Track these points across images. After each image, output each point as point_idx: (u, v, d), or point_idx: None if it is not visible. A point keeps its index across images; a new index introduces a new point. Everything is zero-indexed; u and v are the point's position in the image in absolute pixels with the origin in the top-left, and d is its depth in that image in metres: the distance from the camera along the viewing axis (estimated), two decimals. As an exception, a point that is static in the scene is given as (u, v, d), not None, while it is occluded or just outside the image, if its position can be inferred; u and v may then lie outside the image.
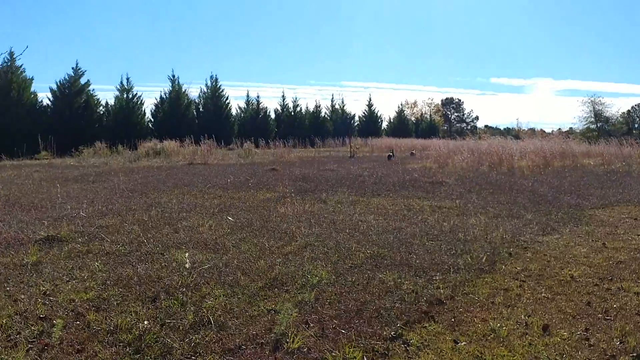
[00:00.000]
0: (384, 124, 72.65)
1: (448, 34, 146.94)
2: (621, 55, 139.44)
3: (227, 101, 52.78)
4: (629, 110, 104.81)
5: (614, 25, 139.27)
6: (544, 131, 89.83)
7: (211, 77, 52.85)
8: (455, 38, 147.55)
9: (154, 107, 49.54)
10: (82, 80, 42.47)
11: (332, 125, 62.41)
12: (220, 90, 52.50)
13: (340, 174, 18.67)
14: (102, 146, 34.03)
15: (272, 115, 59.76)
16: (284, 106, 60.91)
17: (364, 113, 69.45)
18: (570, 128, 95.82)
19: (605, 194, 12.89)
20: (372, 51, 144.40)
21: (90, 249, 7.23)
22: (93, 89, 43.78)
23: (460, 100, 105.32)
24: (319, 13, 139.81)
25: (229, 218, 9.74)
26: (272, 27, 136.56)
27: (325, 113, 65.13)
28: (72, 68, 42.54)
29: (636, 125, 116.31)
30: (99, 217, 9.79)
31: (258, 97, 57.85)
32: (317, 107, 63.54)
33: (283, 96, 62.08)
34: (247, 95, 57.79)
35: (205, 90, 52.47)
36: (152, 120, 49.20)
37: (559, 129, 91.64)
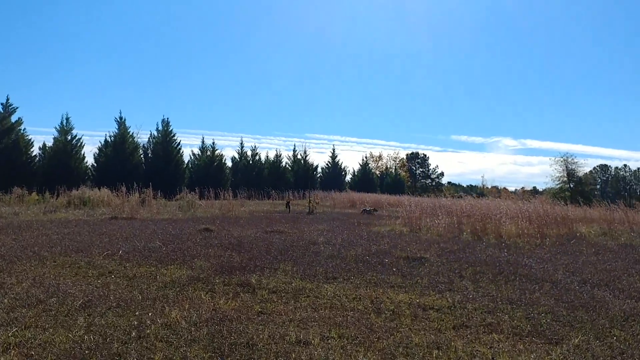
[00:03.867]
0: (348, 177, 69.31)
1: (410, 90, 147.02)
2: (582, 117, 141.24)
3: (179, 147, 48.74)
4: (590, 171, 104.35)
5: (569, 88, 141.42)
6: (507, 189, 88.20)
7: (163, 120, 49.04)
8: (417, 95, 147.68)
9: (97, 151, 45.05)
10: (13, 118, 37.96)
11: (293, 176, 58.73)
12: (172, 135, 48.50)
13: (290, 239, 14.67)
14: (23, 192, 29.42)
15: (229, 164, 55.85)
16: (242, 154, 57.12)
17: (327, 165, 66.09)
18: (534, 187, 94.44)
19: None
20: (337, 105, 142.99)
21: None
22: (24, 129, 39.21)
23: (425, 155, 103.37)
24: (283, 68, 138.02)
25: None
26: (234, 75, 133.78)
27: (287, 163, 61.56)
28: (2, 104, 38.00)
29: (598, 187, 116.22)
30: None
31: (214, 143, 54.00)
32: (278, 156, 59.97)
33: (241, 143, 58.43)
34: (202, 142, 53.63)
35: (156, 134, 48.34)
36: (95, 165, 44.64)
37: (522, 187, 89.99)
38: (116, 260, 10.53)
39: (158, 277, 8.94)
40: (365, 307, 7.27)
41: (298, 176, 58.96)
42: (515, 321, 6.65)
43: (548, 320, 6.72)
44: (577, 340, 5.79)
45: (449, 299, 7.78)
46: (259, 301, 7.45)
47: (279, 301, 7.48)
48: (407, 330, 6.19)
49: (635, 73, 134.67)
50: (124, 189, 27.67)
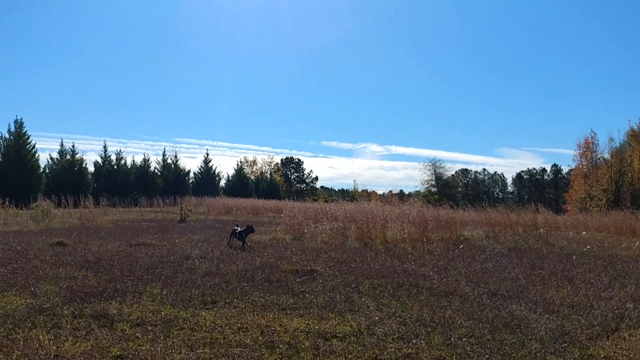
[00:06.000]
0: (222, 182, 67.06)
1: (281, 95, 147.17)
2: (442, 124, 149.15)
3: (34, 150, 44.10)
4: (453, 175, 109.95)
5: (429, 96, 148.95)
6: (376, 193, 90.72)
7: (15, 121, 43.96)
8: (288, 100, 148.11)
9: None
10: None
11: (163, 182, 55.53)
12: (26, 137, 43.80)
13: (159, 253, 12.84)
14: None
15: (91, 169, 51.60)
16: (105, 159, 52.97)
17: (200, 170, 63.34)
18: (401, 190, 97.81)
19: (557, 297, 8.65)
20: (207, 109, 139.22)
21: None
22: None
23: (300, 160, 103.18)
24: (149, 68, 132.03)
25: None
26: (96, 75, 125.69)
27: (156, 168, 58.05)
28: None
29: (460, 189, 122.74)
30: None
31: (74, 146, 49.32)
32: (146, 160, 56.34)
33: (105, 147, 53.75)
34: (61, 145, 48.87)
35: (7, 137, 43.43)
36: None
37: (390, 190, 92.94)
38: None
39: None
40: (254, 340, 5.88)
41: (168, 182, 55.77)
42: (436, 350, 5.58)
43: (473, 346, 5.72)
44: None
45: (352, 323, 6.58)
46: (117, 339, 5.81)
47: (145, 338, 5.88)
48: (311, 374, 4.89)
49: (490, 83, 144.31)
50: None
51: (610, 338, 6.17)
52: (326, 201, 37.28)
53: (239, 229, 14.36)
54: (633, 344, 5.95)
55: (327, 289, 8.74)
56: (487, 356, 5.41)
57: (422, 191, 75.41)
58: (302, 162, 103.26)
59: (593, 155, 62.39)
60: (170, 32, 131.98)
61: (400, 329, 6.38)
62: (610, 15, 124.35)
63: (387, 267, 11.16)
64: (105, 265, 10.70)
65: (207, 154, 64.44)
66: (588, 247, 15.54)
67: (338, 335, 6.11)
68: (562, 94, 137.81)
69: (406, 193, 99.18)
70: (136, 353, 5.34)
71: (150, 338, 5.89)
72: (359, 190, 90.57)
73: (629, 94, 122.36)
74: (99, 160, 52.92)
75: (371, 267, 11.12)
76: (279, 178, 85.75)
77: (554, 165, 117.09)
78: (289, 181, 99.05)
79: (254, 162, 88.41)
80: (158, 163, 58.81)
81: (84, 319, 6.59)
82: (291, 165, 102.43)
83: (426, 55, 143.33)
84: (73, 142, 56.78)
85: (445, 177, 77.64)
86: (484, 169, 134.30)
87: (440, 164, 76.24)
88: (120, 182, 50.61)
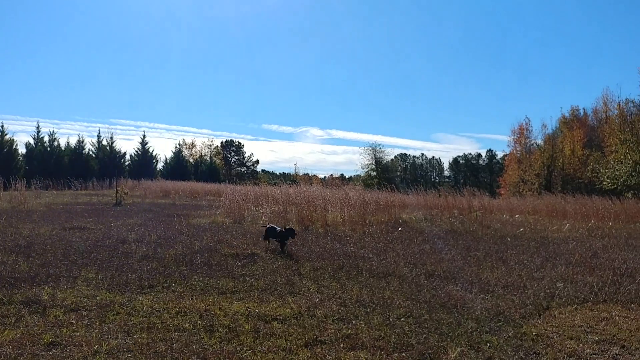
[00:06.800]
0: (160, 165, 65.72)
1: (220, 77, 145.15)
2: (381, 110, 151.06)
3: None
4: (392, 160, 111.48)
5: (369, 82, 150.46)
6: (317, 177, 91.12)
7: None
8: (227, 83, 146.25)
9: None
10: None
11: (98, 165, 53.91)
12: (-51, 116, 41.58)
13: (94, 237, 12.48)
14: None
15: (23, 150, 49.56)
16: (38, 140, 51.01)
17: (136, 152, 61.84)
18: (342, 174, 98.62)
19: (492, 277, 8.93)
20: (144, 89, 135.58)
21: None
22: None
23: (240, 143, 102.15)
24: (82, 45, 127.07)
25: None
26: (29, 55, 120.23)
27: (91, 150, 56.32)
28: None
29: (398, 173, 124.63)
30: None
31: (3, 127, 47.25)
32: (80, 142, 54.60)
33: (38, 128, 51.64)
34: (-11, 125, 46.63)
35: None
36: None
37: (331, 174, 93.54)
38: None
39: None
40: (193, 324, 5.81)
41: (104, 164, 54.20)
42: (375, 330, 5.67)
43: (411, 326, 5.84)
44: (453, 355, 4.92)
45: (292, 306, 6.60)
46: (50, 326, 5.62)
47: (79, 324, 5.71)
48: (250, 355, 4.89)
49: (428, 70, 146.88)
50: None
51: (542, 316, 6.44)
52: (267, 185, 37.14)
53: (278, 228, 11.51)
54: (563, 321, 6.23)
55: (267, 272, 8.73)
56: (424, 335, 5.54)
57: (362, 175, 76.26)
58: (243, 145, 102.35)
59: (527, 141, 64.60)
60: (105, 7, 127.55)
61: (340, 310, 6.44)
62: (544, 3, 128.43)
63: (328, 249, 11.25)
64: (38, 249, 10.32)
65: (144, 136, 63.32)
66: (521, 229, 16.12)
67: (278, 317, 6.11)
68: (498, 82, 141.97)
69: (347, 177, 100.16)
70: (70, 339, 5.18)
71: (85, 324, 5.73)
72: (300, 174, 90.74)
73: (562, 82, 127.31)
74: (31, 141, 51.02)
75: (312, 249, 11.17)
76: (219, 161, 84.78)
77: (489, 151, 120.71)
78: (229, 164, 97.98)
79: (193, 144, 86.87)
80: (93, 145, 57.14)
81: (13, 306, 6.33)
82: (231, 148, 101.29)
83: (366, 42, 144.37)
84: (2, 123, 54.35)
85: (385, 161, 78.78)
86: (422, 154, 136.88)
87: (380, 148, 77.28)
88: (53, 164, 48.91)
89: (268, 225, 11.88)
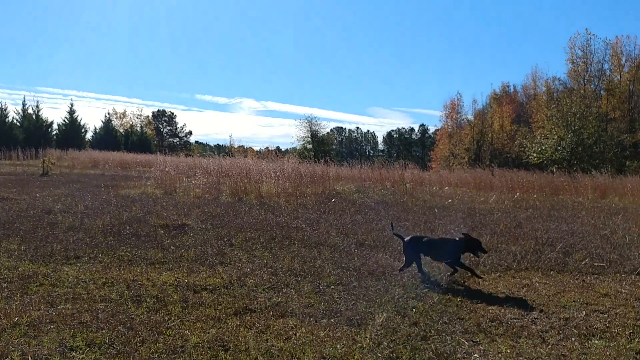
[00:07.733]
0: (89, 135, 63.44)
1: (152, 43, 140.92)
2: (317, 83, 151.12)
3: None
4: (328, 132, 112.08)
5: (308, 55, 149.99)
6: (253, 149, 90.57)
7: None
8: (159, 49, 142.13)
9: None
10: None
11: (23, 134, 51.48)
12: None
13: (18, 207, 11.99)
14: None
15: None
16: (-44, 107, 48.13)
17: (64, 121, 59.30)
18: (278, 147, 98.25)
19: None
20: (71, 54, 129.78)
21: None
22: None
23: (173, 113, 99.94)
24: (12, 7, 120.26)
25: None
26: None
27: (15, 118, 53.64)
28: None
29: (334, 146, 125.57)
30: None
31: None
32: (3, 110, 51.79)
33: (-44, 94, 48.92)
34: None
35: None
36: None
37: (267, 147, 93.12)
38: None
39: None
40: (120, 294, 5.74)
41: (29, 133, 51.76)
42: (305, 298, 5.78)
43: (340, 293, 5.99)
44: (380, 320, 5.08)
45: (223, 276, 6.61)
46: (-36, 299, 5.42)
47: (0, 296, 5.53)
48: (178, 324, 4.88)
49: (362, 44, 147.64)
50: None
51: (466, 283, 6.72)
52: (200, 156, 36.59)
53: (461, 236, 6.94)
54: (486, 287, 6.53)
55: (198, 243, 8.67)
56: (353, 302, 5.69)
57: (298, 148, 76.22)
58: (175, 115, 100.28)
59: (458, 116, 66.33)
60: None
61: (271, 279, 6.51)
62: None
63: (261, 220, 11.26)
64: (-46, 220, 9.85)
65: (72, 105, 60.47)
66: (449, 200, 16.62)
67: (208, 287, 6.12)
68: (433, 58, 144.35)
69: (283, 150, 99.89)
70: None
71: (5, 295, 5.56)
72: (235, 146, 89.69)
73: (494, 59, 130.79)
74: (-52, 108, 48.07)
75: (245, 220, 11.15)
76: (150, 132, 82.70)
77: (422, 125, 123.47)
78: (161, 135, 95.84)
79: (124, 114, 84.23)
80: (17, 113, 54.39)
81: None
82: (163, 118, 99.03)
83: (301, 14, 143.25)
84: None
85: (321, 134, 78.92)
86: (358, 127, 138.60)
87: (316, 121, 77.32)
88: (-27, 132, 46.39)
89: (407, 238, 7.11)
